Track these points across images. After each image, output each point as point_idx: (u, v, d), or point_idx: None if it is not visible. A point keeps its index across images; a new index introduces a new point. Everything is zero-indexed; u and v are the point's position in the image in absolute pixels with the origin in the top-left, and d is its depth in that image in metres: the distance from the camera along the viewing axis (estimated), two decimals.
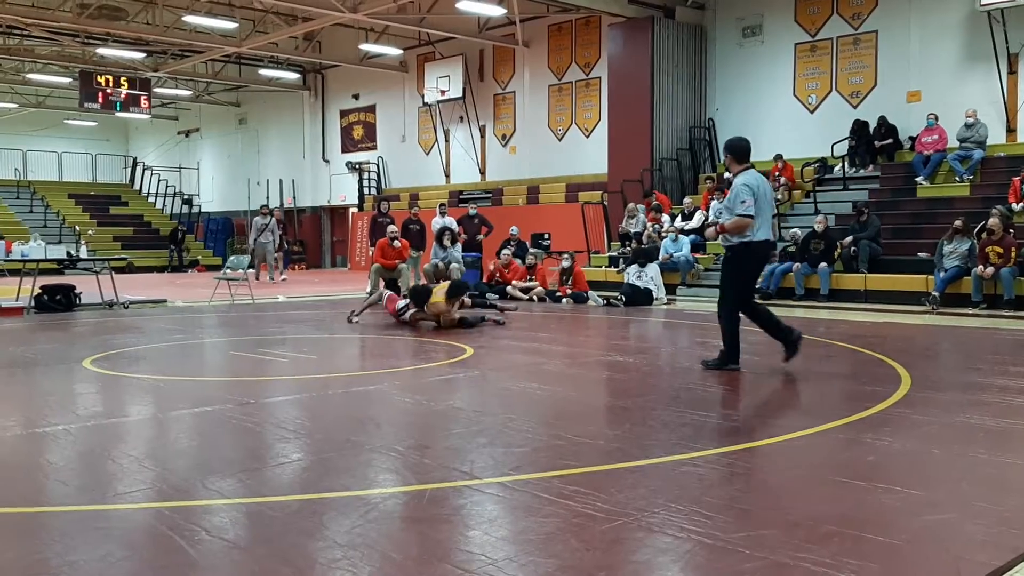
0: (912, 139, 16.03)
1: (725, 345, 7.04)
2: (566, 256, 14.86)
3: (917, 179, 15.32)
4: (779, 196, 16.47)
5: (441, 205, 18.84)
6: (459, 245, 15.73)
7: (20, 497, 3.75)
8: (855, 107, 17.08)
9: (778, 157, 17.00)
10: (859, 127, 16.51)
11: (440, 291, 10.12)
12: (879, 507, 3.54)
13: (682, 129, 18.97)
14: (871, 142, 16.39)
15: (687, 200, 17.37)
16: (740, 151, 7.01)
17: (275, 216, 20.34)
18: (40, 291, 12.91)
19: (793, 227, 14.99)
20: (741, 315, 7.00)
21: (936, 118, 15.33)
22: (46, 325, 11.15)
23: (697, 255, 15.94)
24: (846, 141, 16.64)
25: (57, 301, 12.92)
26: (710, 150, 19.26)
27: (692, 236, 16.24)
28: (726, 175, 17.74)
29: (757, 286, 14.25)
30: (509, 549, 3.07)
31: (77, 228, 29.37)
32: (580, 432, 4.88)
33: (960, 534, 3.25)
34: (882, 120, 16.30)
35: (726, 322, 7.01)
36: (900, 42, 16.47)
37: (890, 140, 16.24)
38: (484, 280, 15.59)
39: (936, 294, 12.41)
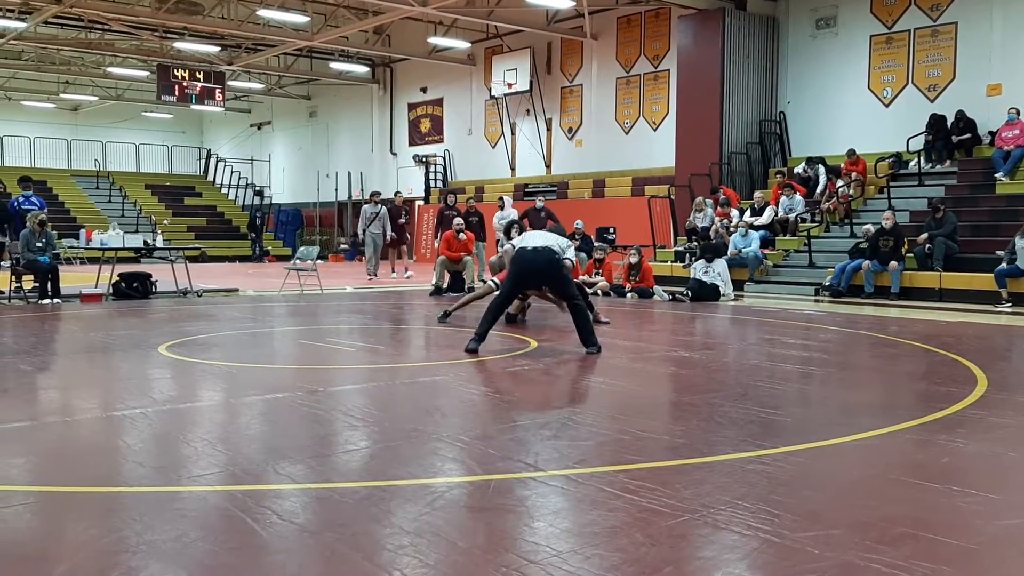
0: (992, 134, 15.54)
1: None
2: (632, 251, 14.75)
3: (996, 175, 14.87)
4: (851, 192, 16.16)
5: (501, 198, 18.88)
6: None
7: (100, 477, 3.88)
8: (932, 101, 16.62)
9: (851, 152, 16.65)
10: (936, 121, 16.06)
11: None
12: (953, 510, 3.46)
13: (752, 122, 18.69)
14: (948, 137, 15.92)
15: (757, 195, 17.13)
16: None
17: (396, 202, 19.60)
18: (118, 279, 13.30)
19: (866, 223, 14.68)
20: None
21: (1018, 112, 14.86)
22: (123, 312, 11.48)
23: (766, 251, 15.71)
24: (922, 136, 16.20)
25: (134, 288, 13.29)
26: (781, 144, 18.94)
27: (762, 231, 16.01)
28: (800, 169, 17.55)
29: (827, 283, 14.16)
30: (574, 541, 3.07)
31: (153, 218, 30.19)
32: (645, 427, 4.86)
33: None
34: (960, 114, 15.83)
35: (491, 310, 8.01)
36: (981, 34, 15.97)
37: (968, 135, 15.76)
38: None
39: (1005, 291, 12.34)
